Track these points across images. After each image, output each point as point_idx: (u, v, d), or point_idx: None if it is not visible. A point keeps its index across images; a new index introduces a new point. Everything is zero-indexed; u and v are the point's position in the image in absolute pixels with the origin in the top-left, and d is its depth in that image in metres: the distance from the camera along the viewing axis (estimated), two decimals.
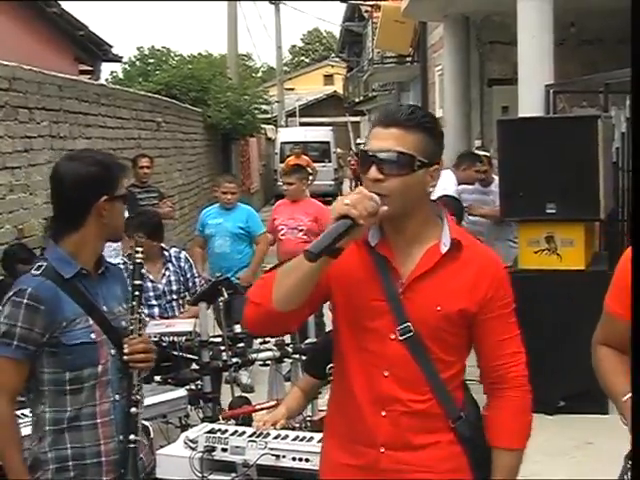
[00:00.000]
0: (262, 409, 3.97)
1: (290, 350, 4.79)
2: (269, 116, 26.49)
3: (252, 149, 24.10)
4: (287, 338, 4.97)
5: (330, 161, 27.31)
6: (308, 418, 3.78)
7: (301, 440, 3.14)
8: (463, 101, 11.74)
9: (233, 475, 3.12)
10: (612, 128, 7.01)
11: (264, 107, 22.53)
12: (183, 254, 6.02)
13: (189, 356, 4.95)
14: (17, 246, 5.88)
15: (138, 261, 2.79)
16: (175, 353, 4.91)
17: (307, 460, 3.00)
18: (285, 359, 4.87)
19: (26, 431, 2.75)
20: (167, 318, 5.64)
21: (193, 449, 3.20)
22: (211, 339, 4.96)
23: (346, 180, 28.48)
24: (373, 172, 2.18)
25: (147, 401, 4.15)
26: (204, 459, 3.16)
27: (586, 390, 5.58)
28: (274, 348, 4.78)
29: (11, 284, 2.70)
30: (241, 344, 5.00)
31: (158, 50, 19.60)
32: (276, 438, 3.13)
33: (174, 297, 5.86)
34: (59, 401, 2.62)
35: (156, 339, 4.94)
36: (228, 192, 7.48)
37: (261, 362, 4.88)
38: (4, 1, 11.37)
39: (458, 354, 2.32)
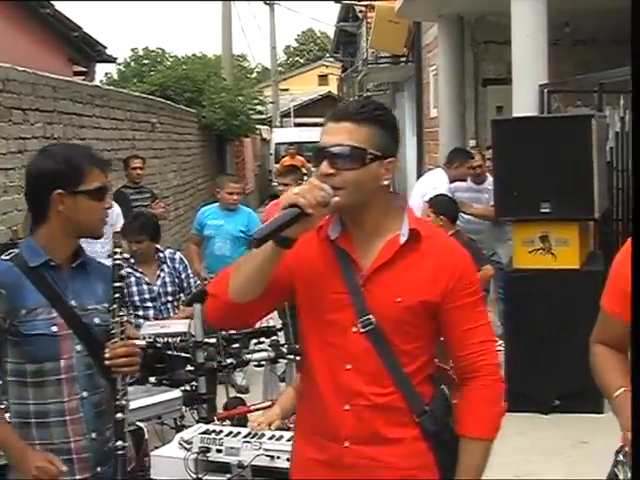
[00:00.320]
0: (257, 410, 3.97)
1: (285, 350, 4.78)
2: (264, 117, 26.46)
3: (247, 150, 24.12)
4: (282, 339, 4.98)
5: None
6: None
7: None
8: (458, 101, 11.74)
9: (228, 476, 3.12)
10: (606, 128, 7.02)
11: (259, 108, 22.53)
12: (178, 255, 6.01)
13: (184, 355, 4.95)
14: (10, 247, 5.86)
15: (117, 262, 2.71)
16: (170, 354, 4.90)
17: None
18: (280, 360, 4.87)
19: None
20: (162, 320, 5.63)
21: (188, 450, 3.19)
22: (206, 340, 4.95)
23: None
24: (325, 167, 2.19)
25: (142, 402, 4.19)
26: (199, 460, 3.16)
27: (581, 389, 5.59)
28: (269, 349, 4.78)
29: None
30: (236, 345, 5.00)
31: (152, 51, 19.60)
32: (271, 439, 3.12)
33: (169, 299, 5.85)
34: (21, 393, 2.60)
35: (151, 340, 4.95)
36: (234, 192, 7.42)
37: (256, 363, 4.87)
38: None
39: (422, 347, 2.30)
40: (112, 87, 13.42)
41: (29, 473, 2.52)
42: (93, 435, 2.65)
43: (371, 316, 2.24)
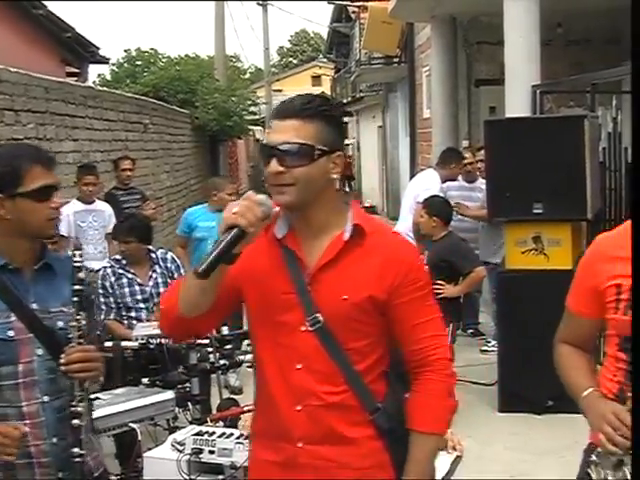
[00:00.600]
0: (250, 411, 3.96)
1: None
2: (257, 117, 26.49)
3: (240, 150, 24.13)
4: None
5: None
6: None
7: None
8: (451, 102, 11.74)
9: (220, 477, 3.13)
10: (599, 128, 7.03)
11: (252, 108, 22.55)
12: (170, 255, 6.00)
13: (176, 354, 4.94)
14: None
15: (77, 265, 2.60)
16: (163, 355, 4.90)
17: None
18: None
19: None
20: (155, 321, 5.62)
21: (180, 451, 3.20)
22: (199, 341, 4.94)
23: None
24: (274, 165, 2.19)
25: (135, 403, 4.19)
26: (191, 461, 3.16)
27: None
28: None
29: None
30: (229, 346, 5.00)
31: (145, 52, 19.61)
32: None
33: None
34: None
35: (143, 341, 4.94)
36: (234, 194, 7.42)
37: (249, 364, 4.86)
38: None
39: (373, 344, 2.28)
40: (105, 88, 13.41)
41: None
42: (54, 440, 2.57)
43: (319, 314, 2.22)
